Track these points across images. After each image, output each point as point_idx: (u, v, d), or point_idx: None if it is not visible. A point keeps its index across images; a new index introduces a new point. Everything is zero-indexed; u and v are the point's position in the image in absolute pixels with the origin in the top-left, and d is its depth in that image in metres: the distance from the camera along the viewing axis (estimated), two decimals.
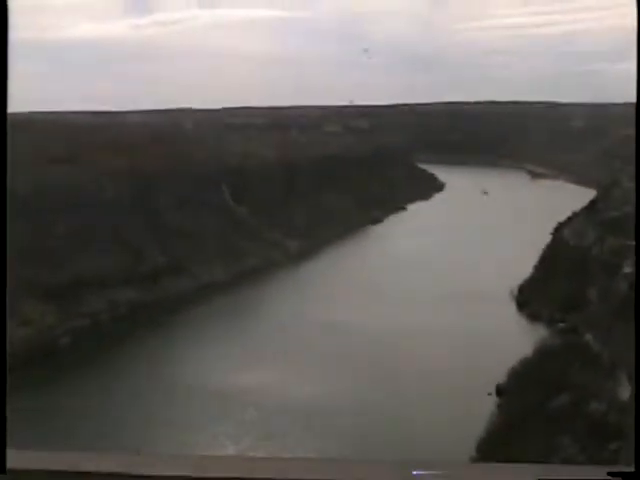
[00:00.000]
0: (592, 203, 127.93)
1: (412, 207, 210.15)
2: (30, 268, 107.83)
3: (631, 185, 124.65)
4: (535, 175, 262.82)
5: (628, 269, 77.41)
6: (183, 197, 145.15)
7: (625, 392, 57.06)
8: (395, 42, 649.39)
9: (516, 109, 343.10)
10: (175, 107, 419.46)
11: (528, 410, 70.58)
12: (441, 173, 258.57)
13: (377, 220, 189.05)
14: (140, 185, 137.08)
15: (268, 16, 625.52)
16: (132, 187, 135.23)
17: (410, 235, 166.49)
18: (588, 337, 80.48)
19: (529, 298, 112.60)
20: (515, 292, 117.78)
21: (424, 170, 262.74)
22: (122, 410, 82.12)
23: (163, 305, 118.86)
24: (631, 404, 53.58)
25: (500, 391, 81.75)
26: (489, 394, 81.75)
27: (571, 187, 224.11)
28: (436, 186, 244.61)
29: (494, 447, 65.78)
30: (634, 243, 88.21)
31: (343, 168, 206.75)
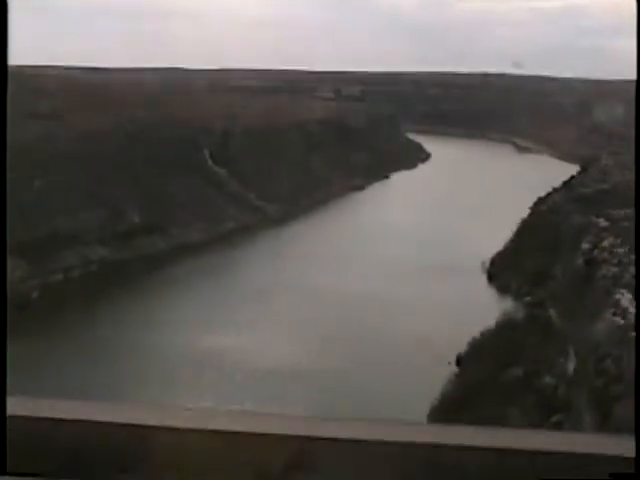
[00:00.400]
0: (570, 179, 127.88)
1: (395, 176, 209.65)
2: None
3: (609, 162, 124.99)
4: (521, 149, 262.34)
5: (586, 245, 77.71)
6: (164, 158, 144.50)
7: (572, 366, 57.54)
8: (397, 12, 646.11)
9: (508, 82, 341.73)
10: (169, 66, 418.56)
11: (481, 381, 70.96)
12: (428, 144, 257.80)
13: (359, 187, 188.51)
14: (121, 144, 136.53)
15: None
16: (113, 146, 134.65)
17: (388, 203, 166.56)
18: (550, 312, 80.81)
19: (499, 271, 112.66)
20: (487, 264, 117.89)
21: (411, 140, 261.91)
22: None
23: (136, 264, 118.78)
24: (575, 377, 54.20)
25: (459, 361, 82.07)
26: (449, 363, 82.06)
27: (557, 162, 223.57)
28: (422, 157, 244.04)
29: (442, 414, 66.19)
30: (597, 219, 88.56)
31: (328, 134, 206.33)
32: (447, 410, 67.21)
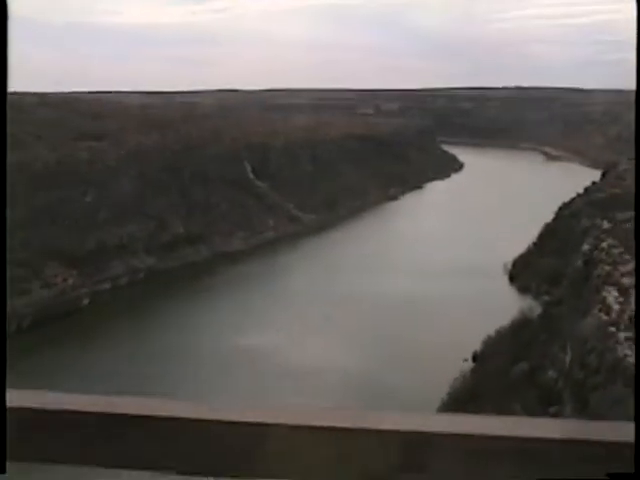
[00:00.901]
0: (591, 185, 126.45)
1: (429, 186, 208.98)
2: (57, 235, 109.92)
3: (626, 167, 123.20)
4: (551, 157, 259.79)
5: (586, 246, 76.91)
6: (208, 172, 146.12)
7: (568, 360, 57.13)
8: (434, 30, 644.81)
9: (540, 94, 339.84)
10: (221, 88, 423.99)
11: (493, 375, 70.63)
12: (462, 154, 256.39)
13: (394, 197, 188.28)
14: (167, 160, 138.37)
15: (312, 4, 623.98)
16: (159, 162, 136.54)
17: (420, 211, 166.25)
18: (561, 310, 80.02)
19: (520, 272, 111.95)
20: (509, 266, 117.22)
21: (446, 151, 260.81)
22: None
23: (180, 272, 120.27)
24: (570, 370, 53.77)
25: (476, 357, 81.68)
26: (465, 360, 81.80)
27: (584, 169, 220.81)
28: (455, 167, 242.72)
29: (457, 406, 66.18)
30: (602, 222, 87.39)
31: (366, 148, 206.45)
32: (457, 401, 67.32)
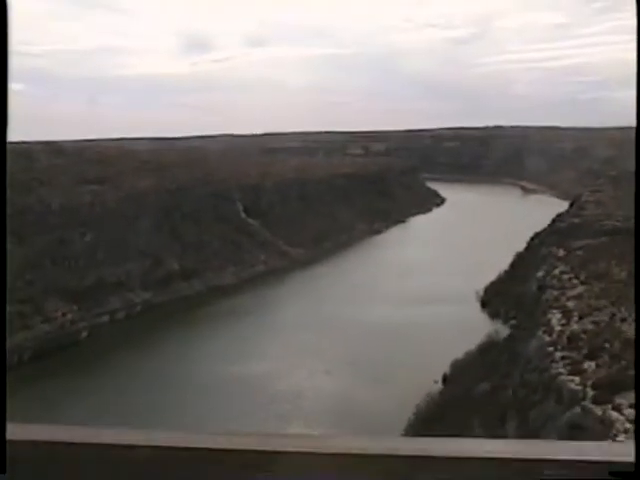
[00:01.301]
0: (556, 216, 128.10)
1: (412, 220, 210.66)
2: (58, 273, 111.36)
3: (588, 199, 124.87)
4: (527, 191, 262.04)
5: (540, 273, 78.20)
6: (202, 212, 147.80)
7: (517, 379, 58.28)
8: (421, 75, 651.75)
9: (518, 133, 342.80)
10: (220, 133, 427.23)
11: (458, 396, 71.57)
12: (444, 190, 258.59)
13: (378, 231, 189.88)
14: (162, 202, 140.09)
15: (308, 53, 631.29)
16: (154, 204, 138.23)
17: (401, 243, 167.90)
18: (521, 333, 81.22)
19: (490, 298, 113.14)
20: (481, 293, 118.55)
21: (429, 188, 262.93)
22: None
23: (175, 305, 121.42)
24: (516, 388, 54.71)
25: (445, 379, 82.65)
26: (435, 382, 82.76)
27: (557, 201, 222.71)
28: (437, 201, 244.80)
29: (422, 425, 67.15)
30: (558, 250, 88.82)
31: (353, 186, 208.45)
32: (423, 420, 68.27)
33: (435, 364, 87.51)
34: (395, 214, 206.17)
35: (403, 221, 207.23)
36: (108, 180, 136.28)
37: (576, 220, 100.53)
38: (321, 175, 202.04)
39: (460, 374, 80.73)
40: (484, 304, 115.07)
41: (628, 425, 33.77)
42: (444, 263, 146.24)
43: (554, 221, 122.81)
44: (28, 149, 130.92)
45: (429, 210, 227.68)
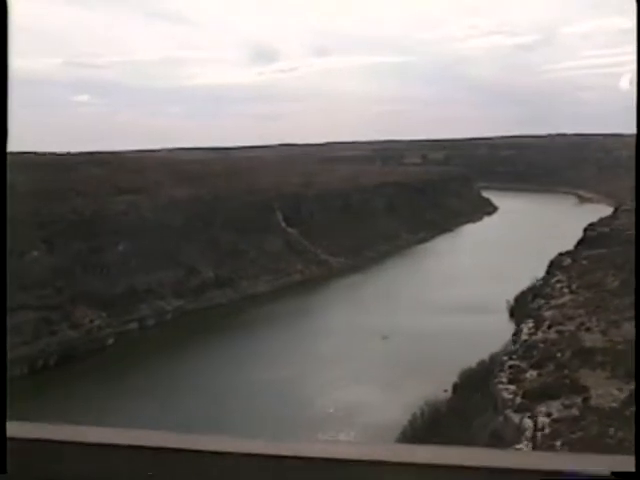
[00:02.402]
0: (589, 225, 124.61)
1: (460, 229, 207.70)
2: (89, 281, 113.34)
3: (626, 208, 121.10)
4: (583, 199, 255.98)
5: (539, 282, 75.95)
6: (241, 221, 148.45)
7: None
8: (485, 82, 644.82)
9: (581, 140, 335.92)
10: (282, 142, 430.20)
11: (461, 406, 70.05)
12: (498, 198, 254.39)
13: (423, 240, 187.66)
14: (199, 210, 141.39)
15: (371, 62, 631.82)
16: (192, 212, 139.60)
17: (446, 252, 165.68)
18: None
19: (515, 308, 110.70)
20: (511, 302, 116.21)
21: (482, 196, 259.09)
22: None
23: (207, 312, 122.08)
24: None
25: (455, 389, 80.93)
26: (445, 391, 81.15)
27: (610, 210, 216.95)
28: (488, 210, 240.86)
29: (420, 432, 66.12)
30: (567, 259, 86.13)
31: (402, 195, 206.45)
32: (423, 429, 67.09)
33: (447, 373, 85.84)
34: (443, 223, 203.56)
35: (451, 230, 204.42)
36: (144, 190, 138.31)
37: (606, 229, 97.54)
38: (369, 184, 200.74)
39: (468, 383, 78.81)
40: (511, 313, 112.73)
41: (537, 433, 32.71)
42: (483, 272, 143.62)
43: (585, 230, 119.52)
44: (67, 159, 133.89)
45: (479, 219, 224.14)
